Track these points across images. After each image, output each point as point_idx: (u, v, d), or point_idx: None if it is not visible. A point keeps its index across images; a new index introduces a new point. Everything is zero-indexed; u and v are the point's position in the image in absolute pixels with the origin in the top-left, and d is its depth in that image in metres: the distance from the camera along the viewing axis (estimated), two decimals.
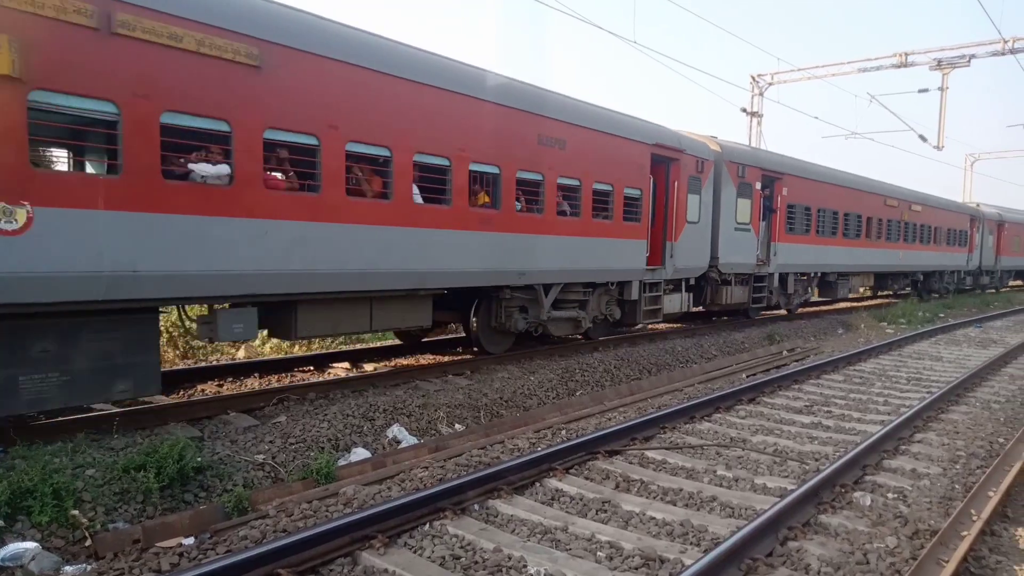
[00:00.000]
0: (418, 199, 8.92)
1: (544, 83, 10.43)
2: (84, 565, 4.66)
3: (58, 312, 6.00)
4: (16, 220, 5.42)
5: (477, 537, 4.93)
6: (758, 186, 16.50)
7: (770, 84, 27.75)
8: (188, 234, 6.59)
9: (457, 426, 8.42)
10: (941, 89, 24.91)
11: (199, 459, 6.04)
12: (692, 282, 15.05)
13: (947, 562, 4.52)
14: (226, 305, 7.45)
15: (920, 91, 25.90)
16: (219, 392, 8.91)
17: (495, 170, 9.88)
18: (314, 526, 4.76)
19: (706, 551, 4.50)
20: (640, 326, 14.90)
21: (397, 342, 13.26)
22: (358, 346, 13.36)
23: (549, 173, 10.75)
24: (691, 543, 4.94)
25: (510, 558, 4.62)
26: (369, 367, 10.99)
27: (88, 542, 4.91)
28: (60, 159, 6.33)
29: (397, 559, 4.60)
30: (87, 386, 6.35)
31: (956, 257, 29.42)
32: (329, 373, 10.44)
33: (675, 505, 5.70)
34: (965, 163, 48.09)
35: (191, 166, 6.78)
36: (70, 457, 5.78)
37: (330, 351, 12.12)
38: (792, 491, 5.51)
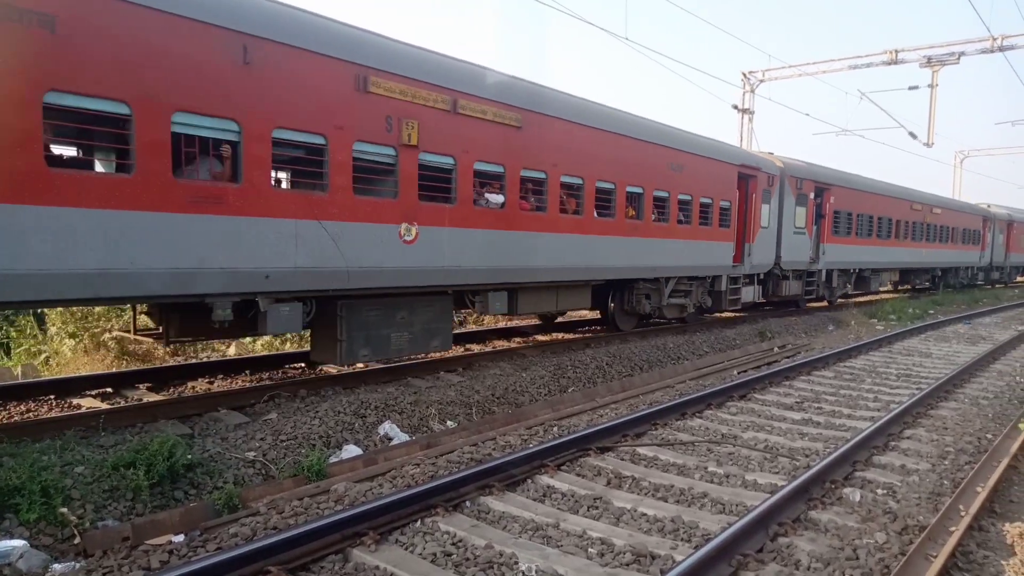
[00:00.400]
0: (595, 214, 11.82)
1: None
2: (73, 563, 4.63)
3: (411, 292, 9.12)
4: (412, 234, 8.75)
5: (469, 534, 4.93)
6: (812, 196, 19.34)
7: (761, 81, 27.81)
8: (484, 242, 9.86)
9: (449, 423, 8.41)
10: (931, 86, 25.07)
11: (189, 456, 6.02)
12: (761, 277, 17.89)
13: (935, 557, 4.56)
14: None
15: (910, 88, 26.09)
16: (210, 389, 8.87)
17: (640, 190, 12.85)
18: (305, 523, 4.75)
19: (697, 547, 4.52)
20: (714, 313, 17.94)
21: None
22: None
23: (673, 191, 13.67)
24: (682, 539, 4.96)
25: (501, 555, 4.62)
26: (361, 363, 10.96)
27: (77, 540, 4.88)
28: (427, 195, 8.97)
29: (388, 556, 4.60)
30: (420, 342, 9.43)
31: (970, 254, 32.14)
32: (321, 370, 10.40)
33: (666, 501, 5.71)
34: (955, 160, 48.44)
35: (488, 195, 10.05)
36: (59, 455, 5.75)
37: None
38: (783, 487, 5.53)
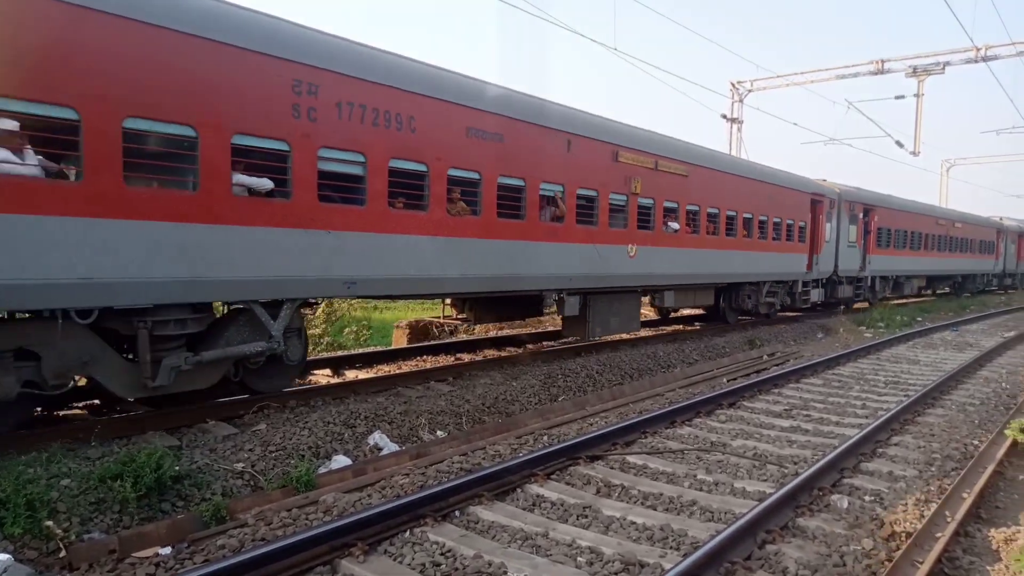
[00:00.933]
0: (725, 234, 16.07)
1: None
2: None
3: (624, 290, 13.29)
4: (633, 251, 12.84)
5: (458, 544, 4.92)
6: (861, 215, 23.16)
7: (750, 91, 28.05)
8: (666, 256, 13.98)
9: (439, 433, 8.40)
10: (917, 96, 25.35)
11: (177, 468, 5.98)
12: (824, 282, 21.72)
13: (921, 563, 4.58)
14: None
15: (897, 97, 26.41)
16: (199, 401, 8.81)
17: (750, 216, 17.12)
18: (293, 534, 4.73)
19: (685, 555, 4.53)
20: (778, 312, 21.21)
21: (379, 348, 13.55)
22: (339, 353, 13.30)
23: (770, 215, 17.96)
24: (671, 547, 4.97)
25: (491, 564, 4.62)
26: (351, 374, 10.95)
27: (63, 553, 4.83)
28: (641, 225, 13.27)
29: (377, 567, 4.59)
30: (622, 326, 13.57)
31: (986, 263, 36.62)
32: (310, 380, 10.38)
33: (655, 509, 5.73)
34: (941, 168, 48.90)
35: (669, 223, 14.09)
36: (45, 467, 5.70)
37: (311, 358, 12.04)
38: (771, 494, 5.56)
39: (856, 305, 24.94)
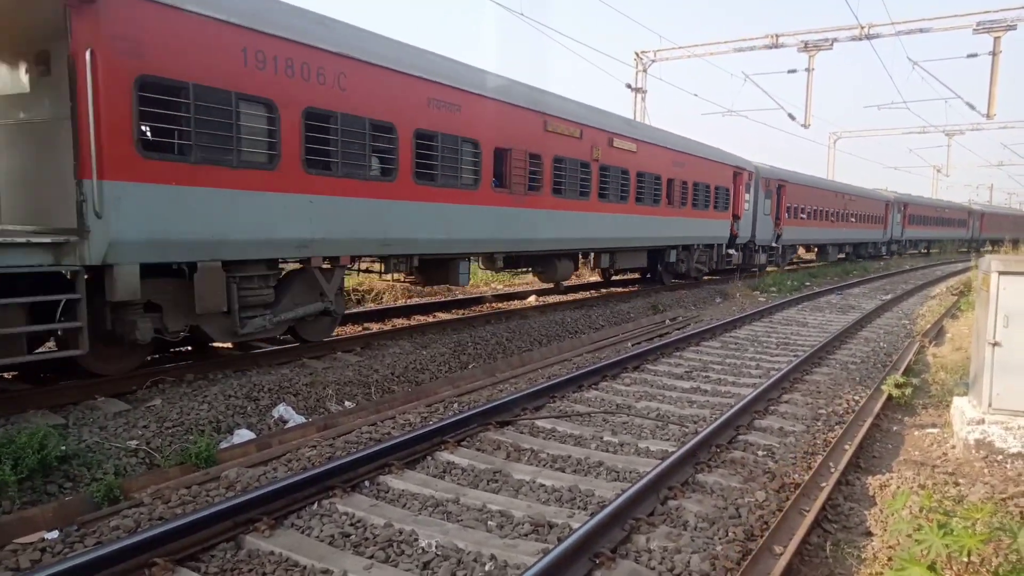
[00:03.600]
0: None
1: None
2: None
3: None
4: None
5: (368, 514, 4.88)
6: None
7: (653, 61, 28.55)
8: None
9: (347, 403, 8.26)
10: (808, 70, 26.52)
11: (63, 447, 5.63)
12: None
13: (808, 511, 4.91)
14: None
15: (789, 71, 27.53)
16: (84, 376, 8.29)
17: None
18: (193, 512, 4.55)
19: (592, 514, 4.66)
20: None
21: None
22: None
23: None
24: (579, 507, 5.11)
25: (401, 532, 4.61)
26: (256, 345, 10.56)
27: None
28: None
29: (284, 541, 4.49)
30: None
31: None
32: (210, 352, 9.93)
33: (564, 472, 5.86)
34: (829, 140, 51.67)
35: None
36: None
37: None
38: (672, 453, 5.79)
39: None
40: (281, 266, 9.17)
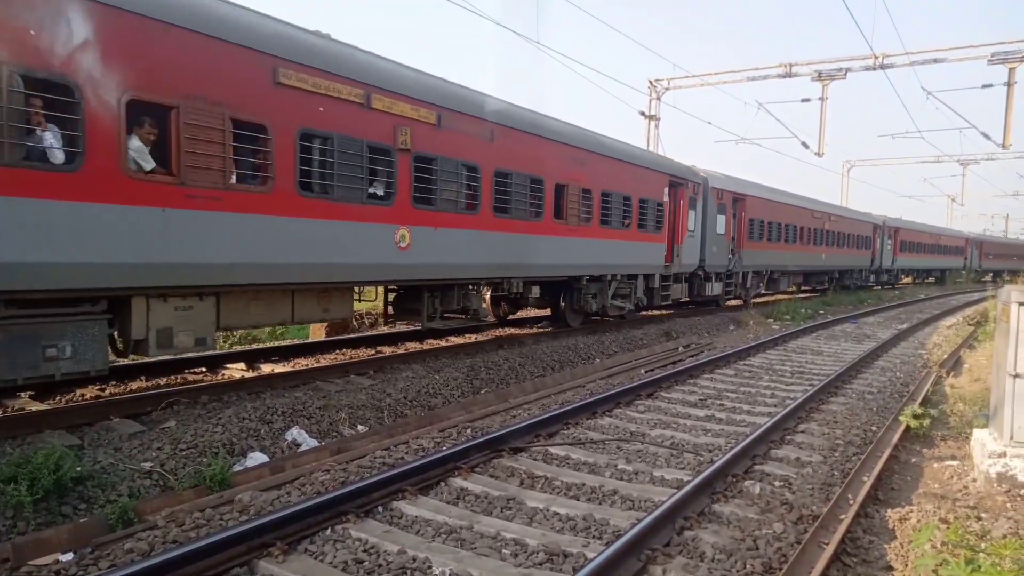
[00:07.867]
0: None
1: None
2: None
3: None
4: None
5: (381, 540, 4.85)
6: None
7: (667, 89, 28.73)
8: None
9: (360, 427, 8.25)
10: (821, 99, 26.58)
11: (79, 469, 5.64)
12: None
13: (827, 544, 4.83)
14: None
15: (803, 100, 27.59)
16: (100, 396, 8.34)
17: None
18: (207, 536, 4.54)
19: (608, 544, 4.61)
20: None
21: (297, 341, 13.22)
22: (254, 346, 12.87)
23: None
24: (594, 536, 5.05)
25: (415, 559, 4.57)
26: (267, 368, 10.60)
27: None
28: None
29: (297, 566, 4.46)
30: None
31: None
32: (223, 375, 9.99)
33: (578, 500, 5.81)
34: (843, 169, 51.61)
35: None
36: None
37: (224, 351, 11.60)
38: (688, 482, 5.73)
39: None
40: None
